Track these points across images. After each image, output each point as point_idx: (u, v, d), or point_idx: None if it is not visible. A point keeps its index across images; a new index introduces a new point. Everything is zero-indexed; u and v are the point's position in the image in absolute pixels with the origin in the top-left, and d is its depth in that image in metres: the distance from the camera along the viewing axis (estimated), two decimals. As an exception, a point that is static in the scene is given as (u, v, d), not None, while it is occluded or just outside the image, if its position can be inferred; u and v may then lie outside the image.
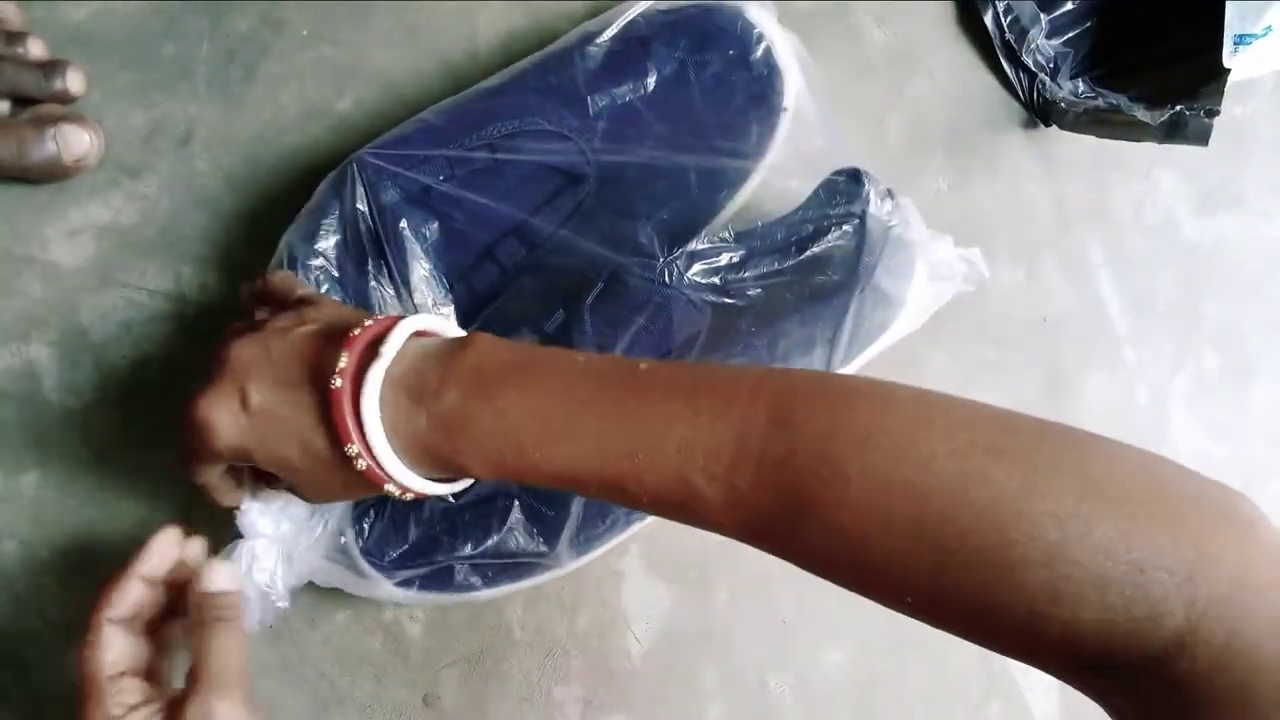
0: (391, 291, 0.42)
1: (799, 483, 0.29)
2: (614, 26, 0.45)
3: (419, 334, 0.36)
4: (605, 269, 0.42)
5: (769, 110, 0.46)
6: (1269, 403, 0.56)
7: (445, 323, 0.37)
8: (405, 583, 0.44)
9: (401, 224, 0.42)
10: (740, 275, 0.43)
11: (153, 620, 0.40)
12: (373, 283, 0.42)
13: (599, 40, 0.45)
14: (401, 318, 0.35)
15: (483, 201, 0.42)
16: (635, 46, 0.45)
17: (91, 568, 0.48)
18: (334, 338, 0.35)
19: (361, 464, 0.33)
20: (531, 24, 0.52)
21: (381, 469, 0.34)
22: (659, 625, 0.51)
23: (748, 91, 0.46)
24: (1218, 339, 0.56)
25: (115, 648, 0.38)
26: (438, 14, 0.51)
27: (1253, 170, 0.56)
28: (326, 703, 0.49)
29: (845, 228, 0.45)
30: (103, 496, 0.48)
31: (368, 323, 0.35)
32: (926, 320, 0.48)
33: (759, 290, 0.44)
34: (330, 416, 0.33)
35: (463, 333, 0.37)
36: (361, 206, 0.42)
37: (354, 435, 0.33)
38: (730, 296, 0.43)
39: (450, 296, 0.44)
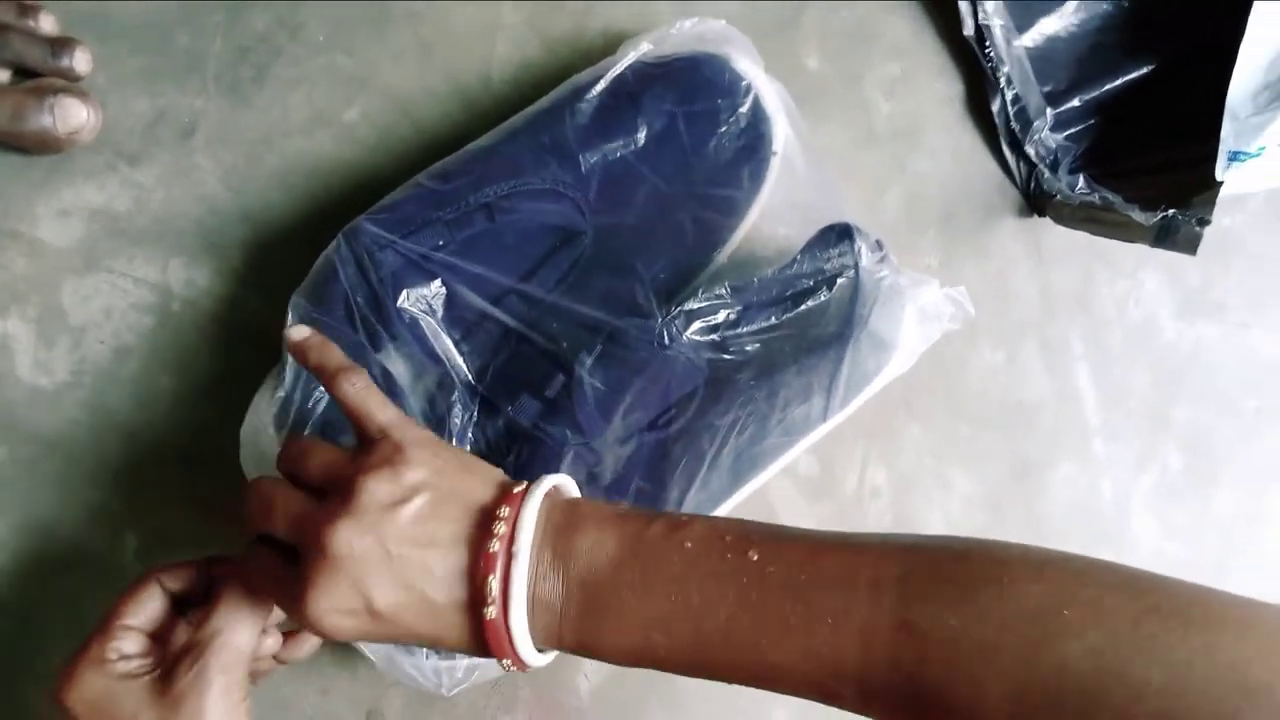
0: (397, 358, 0.42)
1: (934, 693, 0.29)
2: (603, 81, 0.45)
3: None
4: (603, 330, 0.42)
5: (759, 158, 0.47)
6: (1228, 510, 0.57)
7: (553, 482, 0.36)
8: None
9: (403, 291, 0.42)
10: (738, 331, 0.43)
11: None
12: (382, 349, 0.42)
13: (588, 96, 0.45)
14: (523, 497, 0.34)
15: (480, 271, 0.42)
16: (625, 101, 0.45)
17: (48, 551, 0.47)
18: (461, 537, 0.33)
19: (507, 664, 0.34)
20: (546, 55, 0.52)
21: (526, 666, 0.35)
22: (611, 667, 0.51)
23: (738, 141, 0.46)
24: (1185, 442, 0.57)
25: (148, 607, 0.38)
26: (456, 35, 0.51)
27: (1235, 280, 0.57)
28: (269, 710, 0.49)
29: (839, 280, 0.45)
30: (66, 480, 0.48)
31: (498, 527, 0.33)
32: (910, 372, 0.49)
33: (757, 345, 0.44)
34: (484, 640, 0.33)
35: (573, 490, 0.37)
36: (361, 274, 0.42)
37: (509, 654, 0.33)
38: (729, 353, 0.44)
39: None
